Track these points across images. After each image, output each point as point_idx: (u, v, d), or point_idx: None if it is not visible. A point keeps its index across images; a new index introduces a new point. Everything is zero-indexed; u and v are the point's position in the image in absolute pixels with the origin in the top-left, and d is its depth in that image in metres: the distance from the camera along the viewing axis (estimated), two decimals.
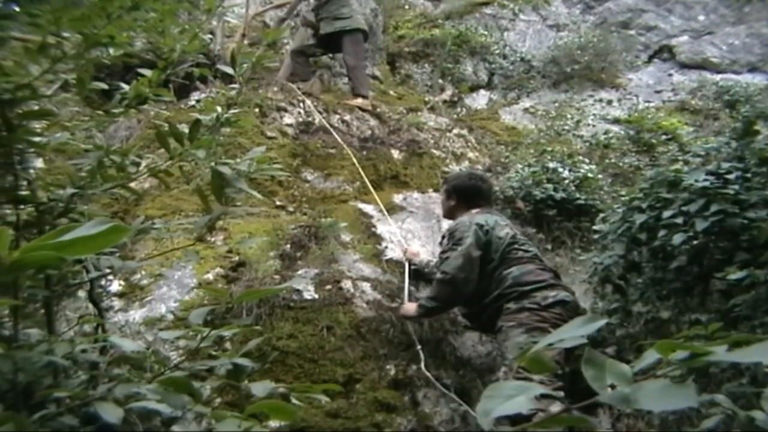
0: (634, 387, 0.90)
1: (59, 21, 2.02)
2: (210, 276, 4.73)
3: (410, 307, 4.44)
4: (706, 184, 3.83)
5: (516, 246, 4.31)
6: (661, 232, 3.96)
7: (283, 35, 9.58)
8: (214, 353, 2.00)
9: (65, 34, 2.11)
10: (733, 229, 3.65)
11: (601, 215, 5.10)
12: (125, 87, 2.49)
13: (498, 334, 4.10)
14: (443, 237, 4.61)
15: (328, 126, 7.12)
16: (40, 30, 2.05)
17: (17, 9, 2.06)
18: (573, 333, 1.06)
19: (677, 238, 3.75)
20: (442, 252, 4.44)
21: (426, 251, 5.42)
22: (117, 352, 2.12)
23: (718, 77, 11.65)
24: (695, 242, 3.77)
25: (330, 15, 8.34)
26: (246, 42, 8.81)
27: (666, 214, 3.97)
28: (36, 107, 2.21)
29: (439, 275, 4.27)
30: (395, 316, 4.51)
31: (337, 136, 6.88)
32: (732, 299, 3.48)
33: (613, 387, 0.94)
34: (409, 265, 5.06)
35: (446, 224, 5.68)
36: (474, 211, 4.63)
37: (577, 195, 6.38)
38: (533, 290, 4.07)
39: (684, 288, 3.89)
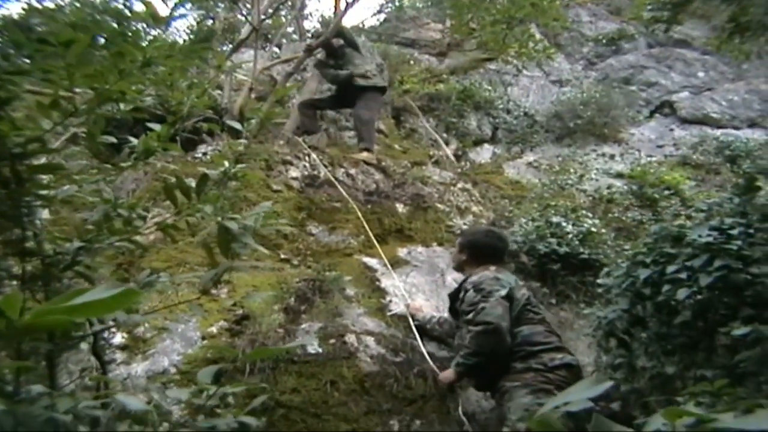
0: None
1: (72, 76, 2.05)
2: (214, 329, 4.71)
3: (448, 373, 4.35)
4: (710, 239, 3.84)
5: (529, 307, 4.30)
6: (666, 287, 3.96)
7: (290, 91, 9.71)
8: (217, 411, 1.99)
9: (77, 90, 2.15)
10: (737, 285, 3.64)
11: (605, 269, 5.09)
12: (134, 141, 2.52)
13: (501, 395, 4.04)
14: (465, 291, 4.52)
15: (333, 179, 7.17)
16: (53, 85, 2.08)
17: (30, 63, 2.09)
18: (579, 395, 1.06)
19: (681, 293, 3.75)
20: (472, 305, 4.32)
21: (430, 305, 5.41)
22: (119, 408, 2.12)
23: (718, 132, 11.76)
24: (699, 297, 3.77)
25: (357, 70, 8.48)
26: (253, 96, 8.90)
27: (670, 269, 3.97)
28: (45, 160, 2.24)
29: (479, 327, 4.14)
30: (438, 386, 4.44)
31: (342, 190, 6.92)
32: (737, 355, 3.47)
33: None
34: (413, 320, 5.03)
35: (450, 278, 5.68)
36: (492, 267, 4.58)
37: (581, 249, 6.38)
38: (541, 351, 4.06)
39: (689, 343, 3.87)
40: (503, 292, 4.24)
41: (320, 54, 9.36)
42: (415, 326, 5.00)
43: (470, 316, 4.27)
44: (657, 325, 4.08)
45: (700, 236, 3.92)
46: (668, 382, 3.84)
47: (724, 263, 3.69)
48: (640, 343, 4.23)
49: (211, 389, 1.83)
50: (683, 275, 3.87)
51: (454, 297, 4.74)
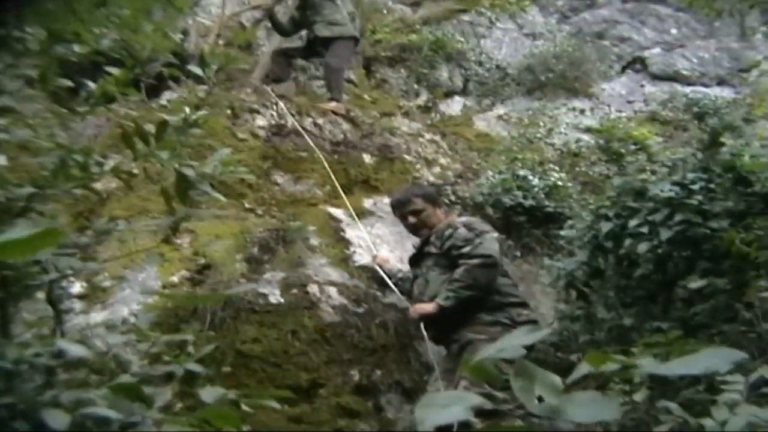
0: (562, 399, 0.89)
1: (22, 15, 1.99)
2: (175, 279, 4.69)
3: (427, 306, 4.26)
4: (671, 194, 3.86)
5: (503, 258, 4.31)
6: (627, 241, 3.99)
7: (257, 37, 9.56)
8: (173, 359, 1.97)
9: (29, 30, 2.08)
10: (696, 239, 3.68)
11: (569, 222, 5.12)
12: (91, 84, 2.46)
13: (462, 346, 4.02)
14: (452, 229, 4.43)
15: (300, 129, 7.09)
16: (2, 25, 2.02)
17: None
18: (515, 342, 1.05)
19: (642, 247, 3.78)
20: (466, 241, 4.26)
21: (394, 257, 5.40)
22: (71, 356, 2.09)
23: (688, 89, 11.76)
24: (659, 251, 3.79)
25: (324, 19, 8.36)
26: (221, 42, 8.75)
27: (632, 223, 3.99)
28: None
29: (477, 260, 4.11)
30: (412, 318, 4.42)
31: (308, 139, 6.84)
32: (693, 305, 3.52)
33: (540, 399, 0.93)
34: (381, 270, 5.01)
35: None
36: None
37: (547, 203, 6.40)
38: (509, 305, 4.06)
39: (647, 296, 3.92)
40: (495, 234, 4.28)
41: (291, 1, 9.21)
42: (380, 278, 5.00)
43: (466, 249, 4.22)
44: (616, 278, 4.12)
45: (662, 191, 3.93)
46: (625, 333, 3.89)
47: (684, 217, 3.71)
48: (599, 295, 4.27)
49: (153, 337, 1.80)
50: (644, 229, 3.89)
51: (425, 242, 4.67)
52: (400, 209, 4.89)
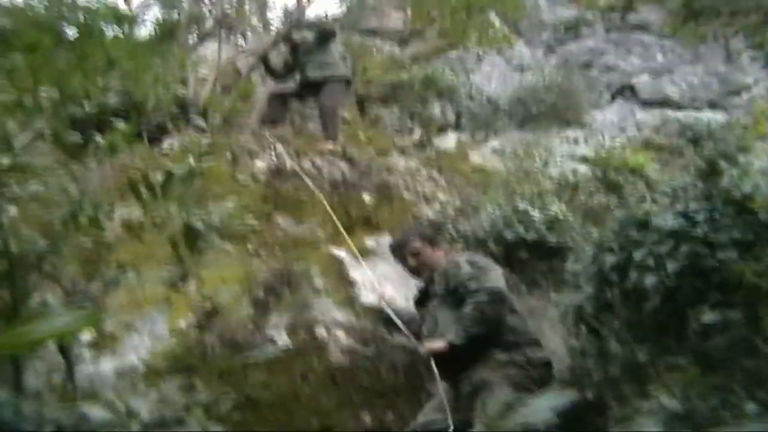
0: None
1: (37, 77, 2.03)
2: (182, 324, 4.68)
3: (437, 344, 4.11)
4: (675, 225, 3.87)
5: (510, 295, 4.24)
6: (633, 273, 3.98)
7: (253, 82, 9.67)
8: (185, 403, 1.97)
9: (42, 91, 2.12)
10: (705, 270, 3.68)
11: (573, 255, 5.11)
12: (99, 139, 2.49)
13: (476, 386, 3.91)
14: (456, 267, 4.34)
15: (299, 170, 7.12)
16: (18, 87, 2.05)
17: None
18: (544, 405, 1.06)
19: (649, 281, 3.77)
20: (471, 278, 4.17)
21: (400, 296, 5.37)
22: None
23: (680, 114, 11.87)
24: (667, 283, 3.78)
25: (315, 60, 8.47)
26: (218, 87, 8.84)
27: (637, 255, 3.98)
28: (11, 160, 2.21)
29: (485, 296, 4.02)
30: (423, 356, 4.24)
31: (308, 181, 6.87)
32: (708, 338, 3.50)
33: None
34: (389, 309, 4.95)
35: None
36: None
37: (549, 236, 6.39)
38: (524, 343, 4.02)
39: (659, 329, 3.90)
40: (500, 270, 4.21)
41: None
42: (386, 318, 4.94)
43: (473, 286, 4.12)
44: (626, 312, 4.10)
45: (665, 222, 3.94)
46: (641, 369, 3.86)
47: (690, 249, 3.71)
48: (610, 330, 4.25)
49: (177, 400, 1.81)
50: (650, 261, 3.89)
51: (429, 282, 4.58)
52: (399, 252, 4.82)
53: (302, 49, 8.69)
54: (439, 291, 4.40)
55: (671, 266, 3.70)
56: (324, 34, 8.96)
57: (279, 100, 8.80)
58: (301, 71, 8.79)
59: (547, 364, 3.99)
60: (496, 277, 4.14)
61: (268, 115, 8.59)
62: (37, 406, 1.76)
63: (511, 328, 4.07)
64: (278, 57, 9.35)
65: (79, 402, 2.12)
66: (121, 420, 1.94)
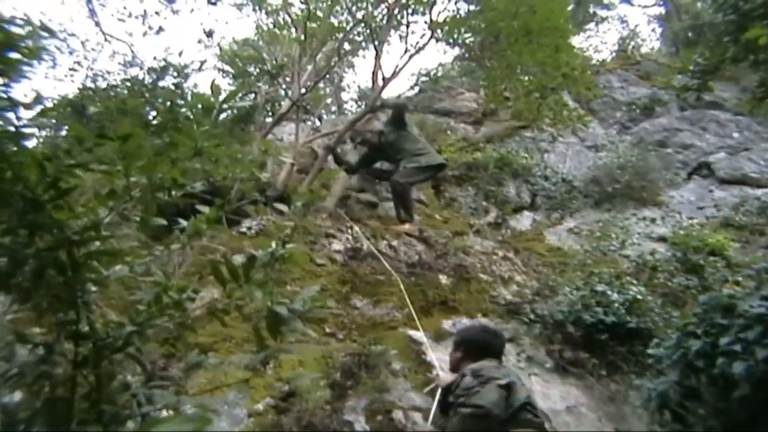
0: None
1: (128, 167, 2.12)
2: (260, 407, 4.72)
3: None
4: (762, 310, 3.79)
5: (529, 408, 3.96)
6: (719, 360, 3.89)
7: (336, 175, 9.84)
8: None
9: (132, 178, 2.22)
10: None
11: (655, 340, 5.02)
12: (183, 222, 2.58)
13: None
14: (463, 375, 4.16)
15: (375, 252, 7.20)
16: (111, 176, 2.15)
17: (90, 155, 2.16)
18: None
19: (738, 367, 3.68)
20: (467, 389, 3.97)
21: None
22: None
23: (759, 192, 11.64)
24: (756, 370, 3.68)
25: (409, 154, 8.67)
26: (295, 168, 9.05)
27: (723, 341, 3.91)
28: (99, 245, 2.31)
29: (468, 410, 3.83)
30: None
31: (384, 262, 6.93)
32: None
33: None
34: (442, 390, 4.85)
35: None
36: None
37: (628, 318, 6.29)
38: None
39: (749, 418, 3.78)
40: (503, 381, 3.94)
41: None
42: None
43: (462, 399, 3.97)
44: (714, 399, 3.99)
45: (752, 307, 3.86)
46: None
47: None
48: (696, 417, 4.14)
49: None
50: (737, 347, 3.80)
51: (447, 391, 4.40)
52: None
53: (387, 144, 8.83)
54: (451, 399, 4.27)
55: (761, 353, 3.61)
56: (398, 110, 9.10)
57: (371, 176, 9.00)
58: (393, 162, 9.01)
59: None
60: (489, 391, 3.91)
61: (364, 189, 8.74)
62: None
63: None
64: (352, 154, 9.53)
65: None
66: None
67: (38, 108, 2.10)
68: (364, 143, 9.16)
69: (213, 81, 2.56)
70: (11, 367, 2.25)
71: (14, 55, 1.92)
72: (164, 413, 4.61)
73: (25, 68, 2.04)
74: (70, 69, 13.47)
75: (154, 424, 1.09)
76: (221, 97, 2.41)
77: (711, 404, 4.02)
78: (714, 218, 11.08)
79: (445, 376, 5.02)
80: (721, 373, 3.89)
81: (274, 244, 2.66)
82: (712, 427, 3.96)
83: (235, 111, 12.00)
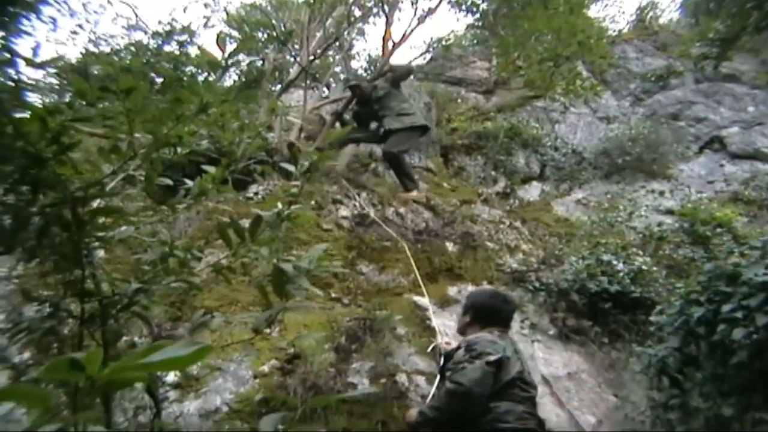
0: None
1: (132, 123, 2.12)
2: (266, 368, 4.76)
3: (411, 414, 4.09)
4: (766, 278, 3.79)
5: (519, 383, 3.97)
6: (721, 327, 3.90)
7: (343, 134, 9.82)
8: None
9: (136, 135, 2.22)
10: None
11: (658, 308, 5.03)
12: (189, 182, 2.58)
13: None
14: (458, 347, 4.19)
15: (378, 220, 7.19)
16: (114, 131, 2.16)
17: (92, 110, 2.15)
18: None
19: (738, 333, 3.69)
20: (456, 363, 4.00)
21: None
22: None
23: None
24: (756, 337, 3.70)
25: (393, 111, 8.54)
26: (303, 135, 9.03)
27: (725, 308, 3.91)
28: (104, 203, 2.32)
29: (450, 386, 3.85)
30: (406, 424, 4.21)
31: (388, 230, 6.93)
32: None
33: None
34: (443, 357, 4.87)
35: None
36: (495, 332, 4.26)
37: (632, 288, 6.32)
38: (513, 431, 3.85)
39: (746, 384, 3.80)
40: (492, 358, 3.91)
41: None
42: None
43: (449, 372, 4.00)
44: (712, 366, 4.01)
45: (756, 275, 3.87)
46: (725, 424, 3.77)
47: None
48: (694, 383, 4.16)
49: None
50: (739, 314, 3.81)
51: (448, 357, 4.42)
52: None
53: (375, 99, 8.78)
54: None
55: (761, 320, 3.62)
56: (404, 73, 9.10)
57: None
58: (379, 122, 8.90)
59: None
60: (474, 370, 3.88)
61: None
62: None
63: (499, 419, 3.83)
64: (349, 111, 9.45)
65: None
66: None
67: (38, 59, 2.10)
68: (354, 88, 9.04)
69: (219, 33, 2.55)
70: (19, 324, 2.28)
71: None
72: (170, 372, 4.67)
73: (26, 26, 2.05)
74: (71, 32, 13.36)
75: (153, 350, 1.10)
76: (227, 54, 2.41)
77: (708, 370, 4.04)
78: (723, 193, 11.04)
79: (449, 343, 5.04)
80: (721, 340, 3.90)
81: (280, 205, 2.68)
82: (708, 393, 3.98)
83: (242, 78, 11.96)
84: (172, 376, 4.56)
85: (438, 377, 4.58)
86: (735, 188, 11.00)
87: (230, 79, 11.93)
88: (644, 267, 6.65)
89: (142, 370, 1.07)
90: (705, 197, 10.49)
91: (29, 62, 2.09)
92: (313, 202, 7.12)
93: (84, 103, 2.12)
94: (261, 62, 13.04)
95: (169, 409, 4.23)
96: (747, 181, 11.15)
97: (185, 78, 2.29)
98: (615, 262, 6.62)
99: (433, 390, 4.46)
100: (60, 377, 1.18)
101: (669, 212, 9.68)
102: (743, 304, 3.83)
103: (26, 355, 2.49)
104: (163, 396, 4.31)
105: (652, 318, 4.97)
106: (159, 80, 2.34)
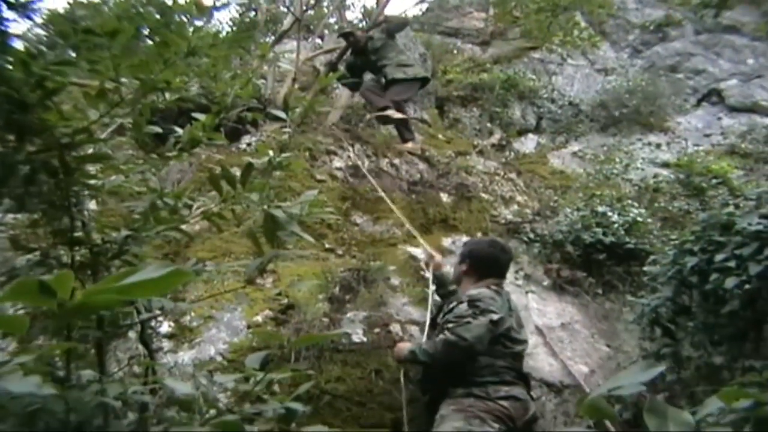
0: None
1: (118, 67, 2.08)
2: (259, 318, 4.77)
3: (402, 348, 4.14)
4: (760, 227, 3.79)
5: (502, 339, 4.00)
6: (713, 276, 3.91)
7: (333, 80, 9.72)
8: (263, 396, 2.00)
9: (123, 80, 2.17)
10: None
11: (652, 257, 5.04)
12: (178, 130, 2.54)
13: (437, 420, 3.81)
14: (460, 302, 4.15)
15: (368, 175, 7.12)
16: (100, 76, 2.11)
17: (77, 54, 2.11)
18: (629, 380, 1.07)
19: (730, 282, 3.70)
20: (459, 316, 3.98)
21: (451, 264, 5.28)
22: (167, 394, 2.14)
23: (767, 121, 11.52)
24: (748, 286, 3.70)
25: (392, 62, 8.43)
26: (296, 86, 8.95)
27: (718, 257, 3.92)
28: (92, 151, 2.28)
29: (451, 337, 3.85)
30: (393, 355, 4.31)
31: (375, 183, 6.78)
32: None
33: None
34: (433, 276, 4.90)
35: None
36: (493, 285, 4.27)
37: (627, 239, 6.33)
38: (488, 382, 3.83)
39: (737, 333, 3.82)
40: (496, 317, 3.94)
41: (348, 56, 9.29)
42: (433, 280, 4.90)
43: (451, 324, 3.96)
44: (703, 315, 4.02)
45: (749, 224, 3.86)
46: (715, 372, 3.80)
47: None
48: (685, 333, 4.18)
49: (258, 375, 1.85)
50: (732, 264, 3.81)
51: (440, 308, 4.52)
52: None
53: (372, 50, 8.66)
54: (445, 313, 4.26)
55: (754, 269, 3.62)
56: (400, 26, 8.97)
57: (376, 87, 8.78)
58: (377, 73, 8.78)
59: (513, 398, 3.77)
60: (477, 326, 3.87)
61: (373, 104, 8.54)
62: (120, 387, 1.80)
63: (478, 372, 3.89)
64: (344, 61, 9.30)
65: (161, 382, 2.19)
66: (199, 406, 1.98)
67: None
68: (347, 35, 8.92)
69: None
70: (8, 273, 2.25)
71: None
72: (164, 322, 4.68)
73: None
74: None
75: (126, 274, 1.07)
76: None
77: (700, 320, 4.05)
78: (720, 146, 10.98)
79: (438, 259, 5.02)
80: (713, 289, 3.91)
81: (271, 152, 2.64)
82: (700, 342, 4.00)
83: (234, 28, 11.79)
84: (166, 327, 4.58)
85: (428, 317, 4.60)
86: (732, 141, 10.93)
87: (223, 31, 11.78)
88: (639, 218, 6.65)
89: (114, 293, 1.04)
90: (701, 150, 10.46)
91: (11, 5, 2.04)
92: (306, 153, 7.08)
93: (69, 49, 2.08)
94: (254, 13, 12.86)
95: (163, 359, 4.25)
96: (744, 134, 11.08)
97: (173, 24, 2.22)
98: (610, 214, 6.62)
99: (426, 331, 4.47)
100: (28, 301, 1.15)
101: (665, 165, 9.64)
102: (736, 254, 3.83)
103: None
104: (157, 346, 4.33)
105: (645, 268, 4.98)
106: (147, 30, 2.29)
